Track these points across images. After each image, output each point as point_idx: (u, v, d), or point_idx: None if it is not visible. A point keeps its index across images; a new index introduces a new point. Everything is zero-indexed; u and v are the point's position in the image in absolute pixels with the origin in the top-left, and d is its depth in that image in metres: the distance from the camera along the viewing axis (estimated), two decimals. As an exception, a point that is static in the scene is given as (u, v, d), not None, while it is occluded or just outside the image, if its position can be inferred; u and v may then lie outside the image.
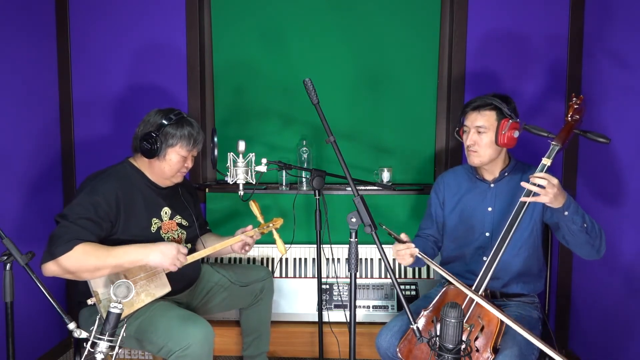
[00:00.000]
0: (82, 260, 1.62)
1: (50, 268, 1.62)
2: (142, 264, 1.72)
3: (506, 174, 1.90)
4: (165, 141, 1.81)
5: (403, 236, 1.74)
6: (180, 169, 1.89)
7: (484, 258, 1.74)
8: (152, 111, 1.87)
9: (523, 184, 1.63)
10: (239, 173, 1.94)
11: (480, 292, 1.70)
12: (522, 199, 1.66)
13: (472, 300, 1.69)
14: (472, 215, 1.94)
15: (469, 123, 1.85)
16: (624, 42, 2.09)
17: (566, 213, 1.63)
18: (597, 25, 2.32)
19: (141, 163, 1.89)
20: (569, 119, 1.73)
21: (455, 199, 2.00)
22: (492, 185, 1.92)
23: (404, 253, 1.70)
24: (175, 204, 1.97)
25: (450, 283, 1.74)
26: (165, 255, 1.72)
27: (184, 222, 1.98)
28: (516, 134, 1.78)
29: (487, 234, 1.91)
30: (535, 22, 2.45)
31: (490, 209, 1.91)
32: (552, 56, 2.46)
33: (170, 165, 1.85)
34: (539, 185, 1.59)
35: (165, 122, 1.81)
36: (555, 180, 1.58)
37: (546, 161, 1.66)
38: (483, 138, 1.82)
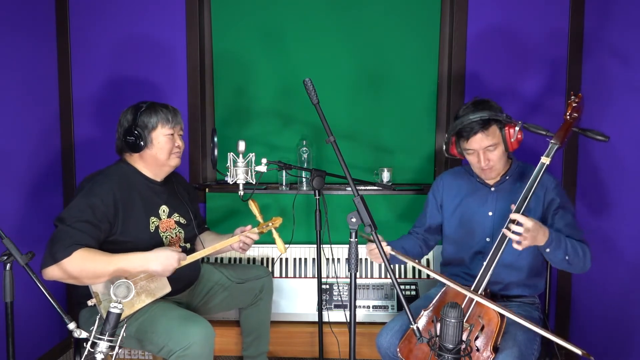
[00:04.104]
0: (83, 266, 1.62)
1: (53, 272, 1.62)
2: (142, 271, 1.72)
3: (507, 177, 1.88)
4: (145, 128, 1.83)
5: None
6: (172, 149, 1.89)
7: (484, 263, 1.73)
8: (121, 113, 1.89)
9: (505, 231, 1.64)
10: (239, 173, 1.94)
11: (479, 292, 1.70)
12: (504, 231, 1.65)
13: (472, 299, 1.70)
14: (472, 219, 1.92)
15: (475, 146, 1.76)
16: (625, 39, 2.09)
17: (548, 250, 1.67)
18: (597, 22, 2.32)
19: (134, 160, 1.89)
20: (568, 117, 1.72)
21: (456, 202, 1.98)
22: (492, 189, 1.90)
23: (376, 252, 1.75)
24: (173, 202, 1.97)
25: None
26: (166, 267, 1.73)
27: (182, 220, 1.98)
28: (520, 134, 1.77)
29: (488, 239, 1.89)
30: (535, 20, 2.45)
31: (490, 213, 1.89)
32: (553, 54, 2.46)
33: (160, 147, 1.86)
34: (515, 233, 1.59)
35: (136, 114, 1.83)
36: (529, 224, 1.58)
37: (545, 160, 1.66)
38: (495, 154, 1.78)
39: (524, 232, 1.58)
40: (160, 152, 1.86)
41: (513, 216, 1.61)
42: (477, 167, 1.83)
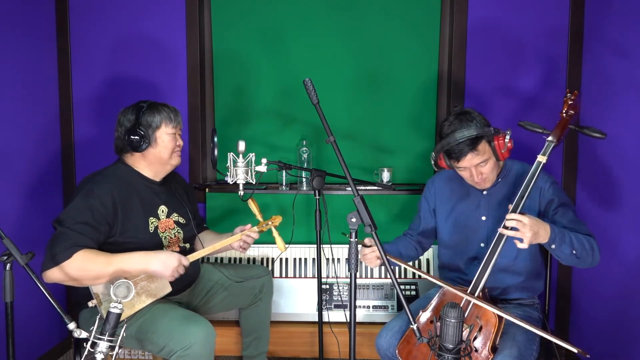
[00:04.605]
0: (83, 268, 1.62)
1: (53, 275, 1.62)
2: (143, 271, 1.73)
3: (499, 179, 1.86)
4: (149, 127, 1.83)
5: (367, 241, 1.80)
6: (175, 149, 1.90)
7: (480, 266, 1.72)
8: (119, 114, 1.88)
9: (502, 230, 1.62)
10: (239, 173, 1.94)
11: (476, 294, 1.70)
12: (500, 230, 1.63)
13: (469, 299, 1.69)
14: (466, 224, 1.90)
15: (465, 165, 1.74)
16: (625, 35, 2.09)
17: (553, 246, 1.62)
18: (597, 18, 2.31)
19: (134, 160, 1.89)
20: (564, 114, 1.72)
21: (449, 206, 1.96)
22: (484, 192, 1.88)
23: (370, 257, 1.78)
24: (171, 202, 1.97)
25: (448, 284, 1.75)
26: (166, 266, 1.73)
27: (181, 220, 1.98)
28: (510, 142, 1.72)
29: (482, 245, 1.87)
30: (535, 18, 2.45)
31: (484, 218, 1.87)
32: (553, 52, 2.46)
33: (164, 146, 1.86)
34: (512, 228, 1.58)
35: (138, 113, 1.83)
36: (525, 219, 1.56)
37: (541, 158, 1.65)
38: (487, 168, 1.76)
39: (521, 227, 1.55)
40: (164, 151, 1.87)
41: (509, 216, 1.59)
42: (470, 180, 1.82)
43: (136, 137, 1.81)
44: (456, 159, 1.74)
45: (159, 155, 1.87)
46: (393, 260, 1.80)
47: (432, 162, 1.85)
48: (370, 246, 1.78)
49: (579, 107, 1.75)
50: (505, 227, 1.61)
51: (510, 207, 1.64)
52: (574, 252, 1.63)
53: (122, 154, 1.90)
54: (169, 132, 1.87)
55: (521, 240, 1.57)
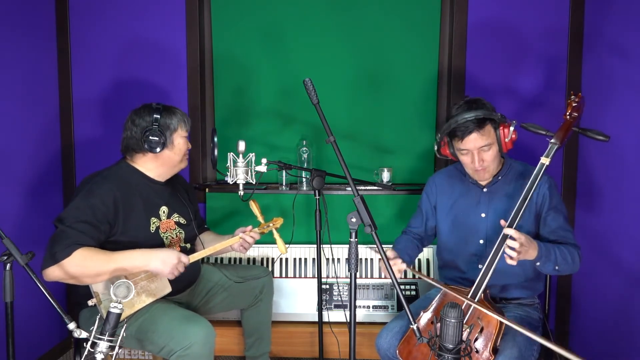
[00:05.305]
0: (83, 266, 1.62)
1: (53, 273, 1.62)
2: (143, 269, 1.73)
3: (499, 177, 1.86)
4: (168, 129, 1.85)
5: (390, 253, 1.79)
6: (186, 152, 1.93)
7: (480, 266, 1.71)
8: (131, 114, 1.87)
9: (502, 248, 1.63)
10: (239, 173, 1.94)
11: (477, 297, 1.69)
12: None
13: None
14: (466, 221, 1.90)
15: (469, 146, 1.74)
16: (625, 35, 2.09)
17: (538, 264, 1.67)
18: (597, 18, 2.31)
19: (143, 161, 1.88)
20: (568, 117, 1.72)
21: (449, 203, 1.96)
22: (485, 189, 1.88)
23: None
24: (173, 202, 1.97)
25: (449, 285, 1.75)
26: (166, 264, 1.73)
27: (182, 220, 1.98)
28: (514, 133, 1.75)
29: (481, 242, 1.87)
30: (535, 18, 2.45)
31: (484, 215, 1.87)
32: (553, 51, 2.46)
33: (179, 149, 1.89)
34: (511, 248, 1.59)
35: (156, 115, 1.83)
36: (522, 238, 1.58)
37: (545, 160, 1.65)
38: (489, 154, 1.76)
39: (518, 247, 1.57)
40: (178, 154, 1.89)
41: (507, 231, 1.59)
42: (470, 167, 1.81)
43: (155, 138, 1.81)
44: (460, 137, 1.73)
45: (172, 157, 1.88)
46: (415, 273, 1.81)
47: (435, 148, 1.86)
48: (393, 258, 1.80)
49: (582, 110, 1.74)
50: (502, 243, 1.63)
51: (504, 223, 1.65)
52: (556, 267, 1.69)
53: (132, 153, 1.88)
54: (182, 135, 1.89)
55: (511, 257, 1.59)
